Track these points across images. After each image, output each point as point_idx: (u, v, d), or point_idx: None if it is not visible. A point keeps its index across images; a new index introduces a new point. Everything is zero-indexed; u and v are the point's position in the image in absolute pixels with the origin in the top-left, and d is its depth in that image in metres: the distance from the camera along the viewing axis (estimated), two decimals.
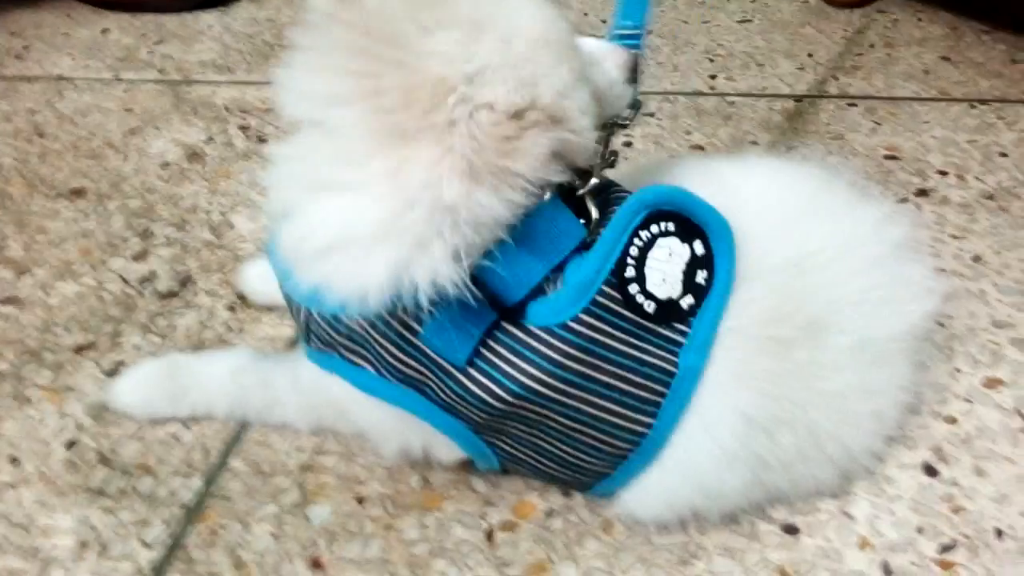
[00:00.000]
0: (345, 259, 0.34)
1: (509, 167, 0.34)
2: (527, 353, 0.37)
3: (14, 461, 0.49)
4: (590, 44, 0.42)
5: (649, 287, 0.38)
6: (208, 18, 0.97)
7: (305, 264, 0.36)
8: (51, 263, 0.63)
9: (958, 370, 0.51)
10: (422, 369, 0.38)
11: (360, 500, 0.46)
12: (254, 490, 0.46)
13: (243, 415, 0.49)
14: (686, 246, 0.38)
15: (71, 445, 0.49)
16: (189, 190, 0.70)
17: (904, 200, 0.65)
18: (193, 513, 0.45)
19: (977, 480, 0.46)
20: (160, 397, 0.49)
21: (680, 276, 0.38)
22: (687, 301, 0.38)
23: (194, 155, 0.74)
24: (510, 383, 0.37)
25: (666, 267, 0.38)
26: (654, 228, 0.38)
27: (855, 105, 0.77)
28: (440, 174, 0.33)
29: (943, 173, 0.68)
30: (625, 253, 0.37)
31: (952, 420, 0.49)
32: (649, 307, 0.38)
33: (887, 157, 0.70)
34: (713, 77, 0.82)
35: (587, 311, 0.37)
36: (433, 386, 0.38)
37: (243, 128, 0.77)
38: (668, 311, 0.38)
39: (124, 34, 0.94)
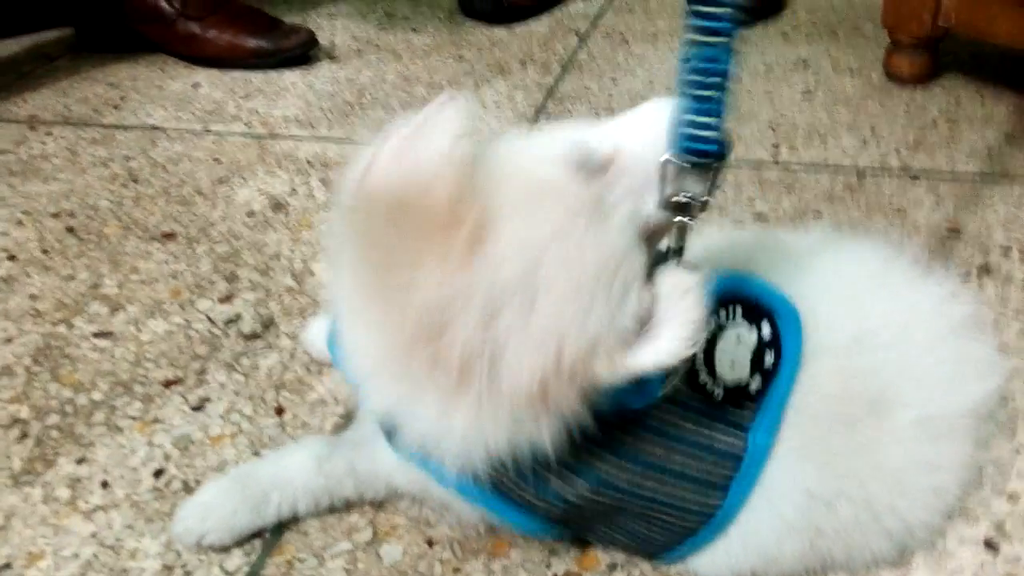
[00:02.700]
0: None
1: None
2: (601, 448, 0.39)
3: (105, 485, 0.52)
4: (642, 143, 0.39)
5: (718, 373, 0.39)
6: (292, 76, 1.03)
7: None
8: (143, 301, 0.67)
9: (1021, 447, 0.52)
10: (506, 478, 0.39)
11: (430, 542, 0.47)
12: (329, 527, 0.48)
13: (329, 504, 0.48)
14: (754, 330, 0.40)
15: (158, 474, 0.52)
16: (273, 238, 0.74)
17: (967, 277, 0.65)
18: (271, 545, 0.48)
19: (1013, 547, 0.46)
20: (239, 515, 0.47)
21: (748, 360, 0.40)
22: (755, 384, 0.39)
23: (278, 205, 0.78)
24: (587, 479, 0.39)
25: (735, 353, 0.40)
26: (722, 315, 0.40)
27: (918, 180, 0.78)
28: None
29: (1006, 250, 0.68)
30: None
31: (1014, 497, 0.49)
32: (718, 394, 0.39)
33: (949, 232, 0.71)
34: (776, 147, 0.85)
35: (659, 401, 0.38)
36: (513, 487, 0.40)
37: (324, 181, 0.82)
38: (736, 395, 0.40)
39: (214, 88, 1.01)
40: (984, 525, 0.48)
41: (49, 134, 0.92)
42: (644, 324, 0.34)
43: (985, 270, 0.66)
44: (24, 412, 0.57)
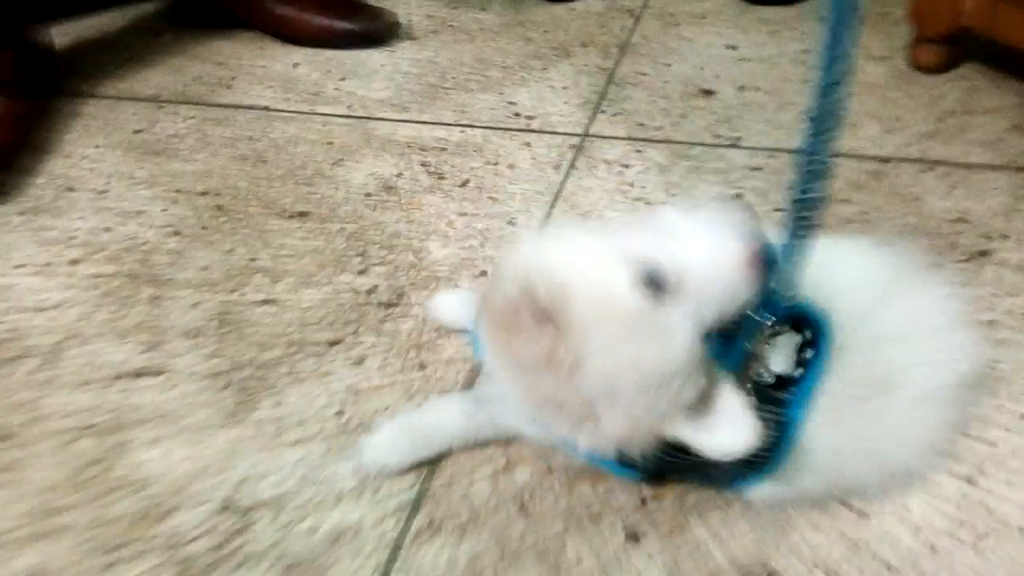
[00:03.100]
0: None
1: None
2: None
3: (300, 424, 0.68)
4: (700, 241, 0.49)
5: (771, 367, 0.54)
6: (379, 57, 1.15)
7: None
8: (295, 273, 0.82)
9: (1002, 405, 0.67)
10: None
11: (549, 469, 0.64)
12: (475, 457, 0.65)
13: (473, 442, 0.65)
14: (798, 335, 0.55)
15: (339, 414, 0.69)
16: (390, 218, 0.88)
17: (968, 259, 0.80)
18: (433, 470, 0.64)
19: (1007, 490, 0.62)
20: (410, 450, 0.64)
21: (793, 356, 0.54)
22: (797, 372, 0.54)
23: (389, 187, 0.92)
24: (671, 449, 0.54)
25: (784, 351, 0.54)
26: (776, 327, 0.54)
27: (933, 169, 0.91)
28: None
29: (1004, 237, 0.82)
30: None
31: (993, 444, 0.65)
32: (770, 380, 0.54)
33: (957, 220, 0.85)
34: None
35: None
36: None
37: (424, 164, 0.96)
38: (783, 381, 0.55)
39: (312, 69, 1.14)
40: (967, 465, 0.63)
41: (176, 114, 1.06)
42: (705, 398, 0.49)
43: (985, 255, 0.81)
44: (223, 366, 0.73)
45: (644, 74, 1.09)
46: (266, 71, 1.14)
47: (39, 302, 0.81)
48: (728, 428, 0.49)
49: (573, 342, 0.46)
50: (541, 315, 0.46)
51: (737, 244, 0.48)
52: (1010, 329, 0.73)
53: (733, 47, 1.14)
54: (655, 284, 0.47)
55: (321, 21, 1.15)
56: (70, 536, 0.61)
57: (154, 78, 1.14)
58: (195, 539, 0.61)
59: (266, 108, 1.06)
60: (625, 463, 0.55)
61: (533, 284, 0.47)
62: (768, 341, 0.54)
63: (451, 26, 1.22)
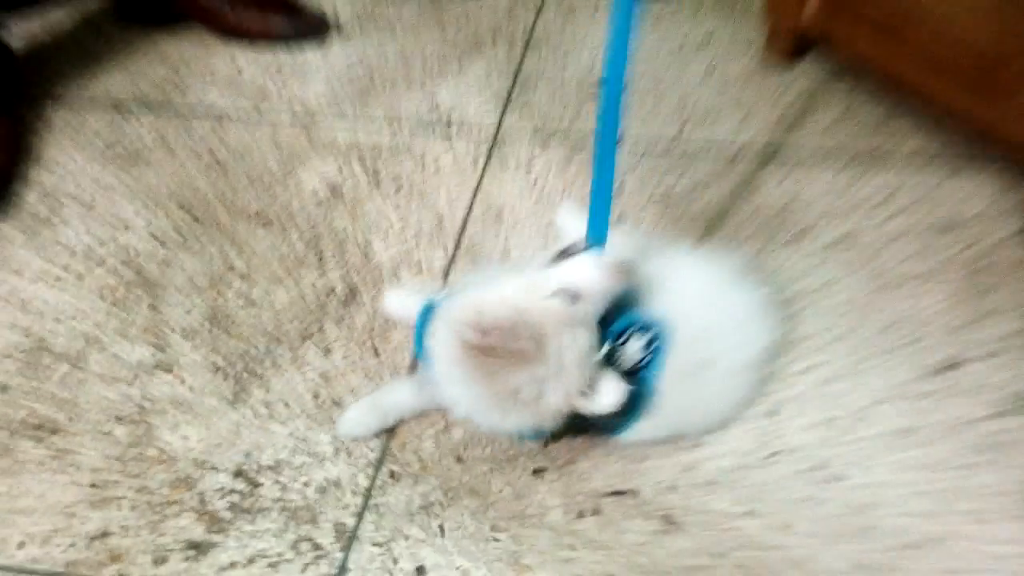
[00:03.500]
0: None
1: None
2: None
3: (286, 405, 0.90)
4: (584, 280, 0.73)
5: (630, 355, 0.78)
6: (312, 55, 1.30)
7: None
8: (267, 277, 1.02)
9: (792, 362, 0.93)
10: None
11: (475, 430, 0.88)
12: (422, 422, 0.88)
13: (420, 413, 0.89)
14: (646, 335, 0.78)
15: (315, 396, 0.91)
16: (339, 222, 1.07)
17: (788, 243, 1.04)
18: (392, 435, 0.88)
19: (789, 421, 0.88)
20: (373, 423, 0.87)
21: (642, 348, 0.78)
22: (647, 359, 0.78)
23: (335, 192, 1.11)
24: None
25: (633, 348, 0.78)
26: (629, 332, 0.78)
27: (773, 159, 1.14)
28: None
29: (821, 218, 1.07)
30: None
31: (783, 390, 0.91)
32: (629, 366, 0.78)
33: (785, 205, 1.08)
34: (680, 129, 1.18)
35: None
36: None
37: (363, 167, 1.14)
38: (636, 367, 0.78)
39: (253, 67, 1.28)
40: (767, 405, 0.90)
41: (139, 122, 1.20)
42: (592, 381, 0.73)
43: (798, 237, 1.05)
44: (219, 360, 0.94)
45: (546, 69, 1.27)
46: (212, 71, 1.28)
47: (58, 313, 0.99)
48: (606, 394, 0.74)
49: (535, 343, 0.70)
50: (510, 335, 0.70)
51: (606, 266, 0.74)
52: (810, 298, 0.99)
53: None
54: (571, 296, 0.73)
55: (257, 19, 1.28)
56: (124, 503, 0.84)
57: (110, 81, 1.27)
58: (218, 499, 0.84)
59: (218, 115, 1.21)
60: (528, 432, 0.80)
61: (500, 319, 0.70)
62: (626, 340, 0.78)
63: (374, 21, 1.36)
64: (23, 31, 1.33)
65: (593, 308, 0.74)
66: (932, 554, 0.77)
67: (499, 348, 0.69)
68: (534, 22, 1.35)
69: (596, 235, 0.78)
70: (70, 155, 1.16)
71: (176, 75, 1.28)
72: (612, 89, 0.77)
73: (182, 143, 1.18)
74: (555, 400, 0.71)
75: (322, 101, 1.23)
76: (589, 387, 0.72)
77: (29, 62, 1.28)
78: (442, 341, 0.74)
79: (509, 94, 1.24)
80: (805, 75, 1.25)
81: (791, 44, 1.25)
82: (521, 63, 1.28)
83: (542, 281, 0.73)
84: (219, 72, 1.28)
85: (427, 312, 0.80)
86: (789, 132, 1.17)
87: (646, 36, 1.32)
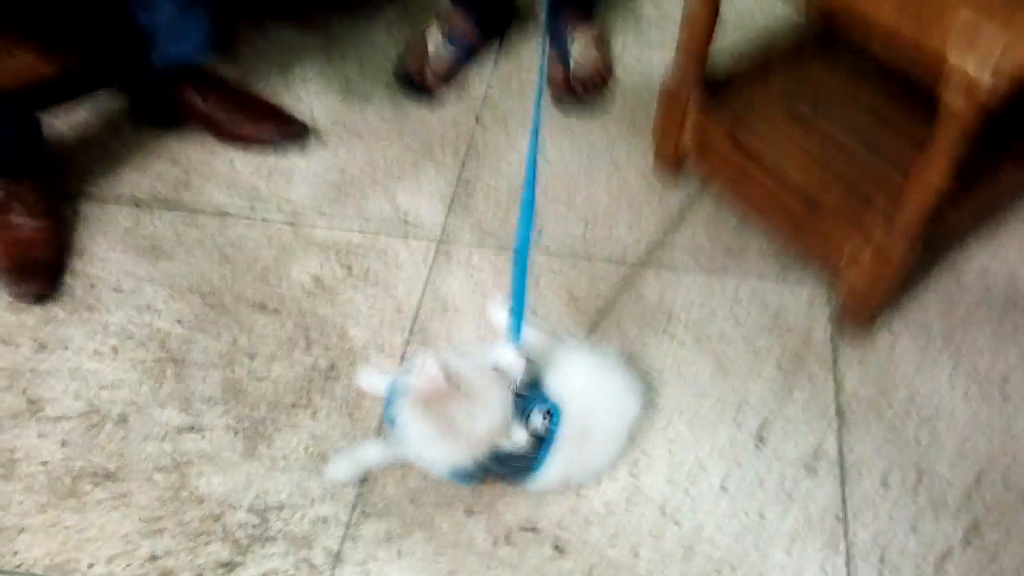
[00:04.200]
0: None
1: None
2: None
3: (285, 458, 1.21)
4: (508, 360, 1.09)
5: (530, 427, 1.12)
6: (295, 158, 1.60)
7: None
8: (265, 354, 1.33)
9: (653, 425, 1.29)
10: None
11: (425, 477, 1.21)
12: (388, 473, 1.21)
13: (388, 465, 1.22)
14: (545, 414, 1.12)
15: (307, 450, 1.22)
16: (320, 308, 1.39)
17: (659, 338, 1.39)
18: (364, 482, 1.20)
19: (647, 472, 1.24)
20: (351, 472, 1.20)
21: (540, 422, 1.13)
22: (543, 430, 1.12)
23: (317, 281, 1.42)
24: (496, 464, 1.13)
25: (536, 420, 1.12)
26: (532, 407, 1.12)
27: (651, 260, 1.49)
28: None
29: (676, 321, 1.43)
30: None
31: (643, 447, 1.27)
32: (530, 435, 1.13)
33: (657, 303, 1.44)
34: (584, 232, 1.52)
35: None
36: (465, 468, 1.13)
37: (339, 262, 1.45)
38: (538, 438, 1.13)
39: (246, 167, 1.57)
40: (627, 463, 1.26)
41: (155, 216, 1.49)
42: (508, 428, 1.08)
43: (666, 331, 1.41)
44: (232, 422, 1.25)
45: (480, 177, 1.60)
46: (212, 171, 1.57)
47: (100, 382, 1.28)
48: (515, 433, 1.09)
49: (468, 386, 1.03)
50: (452, 381, 1.03)
51: (519, 357, 1.08)
52: (666, 378, 1.34)
53: (543, 152, 1.66)
54: (499, 370, 1.07)
55: (250, 128, 1.58)
56: (167, 533, 1.15)
57: (130, 179, 1.55)
58: (238, 530, 1.15)
59: (220, 210, 1.50)
60: (465, 475, 1.13)
61: (447, 375, 1.03)
62: (530, 413, 1.13)
63: (344, 126, 1.67)
64: (50, 131, 1.59)
65: (509, 381, 1.08)
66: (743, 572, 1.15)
67: (436, 392, 1.02)
68: (474, 133, 1.68)
69: (515, 331, 1.13)
70: (102, 247, 1.45)
71: (184, 174, 1.56)
72: (524, 220, 1.11)
73: (193, 237, 1.47)
74: (480, 430, 1.04)
75: (305, 201, 1.54)
76: (504, 427, 1.07)
77: (59, 160, 1.55)
78: (404, 398, 1.07)
79: (453, 197, 1.56)
80: (683, 187, 1.60)
81: (673, 161, 1.61)
82: (462, 172, 1.61)
83: (477, 359, 1.08)
84: (219, 172, 1.57)
85: (392, 389, 1.13)
86: (666, 235, 1.53)
87: (562, 144, 1.65)
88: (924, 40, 1.05)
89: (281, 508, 1.18)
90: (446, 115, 1.71)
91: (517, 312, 1.14)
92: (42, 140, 1.47)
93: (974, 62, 0.99)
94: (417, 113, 1.71)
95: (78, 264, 1.43)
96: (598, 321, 1.40)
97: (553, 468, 1.15)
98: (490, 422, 1.04)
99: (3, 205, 1.40)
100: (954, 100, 1.03)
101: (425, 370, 1.01)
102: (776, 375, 1.33)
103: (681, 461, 1.25)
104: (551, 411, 1.12)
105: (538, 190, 1.14)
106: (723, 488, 1.21)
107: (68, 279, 1.41)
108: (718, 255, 1.50)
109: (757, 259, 1.50)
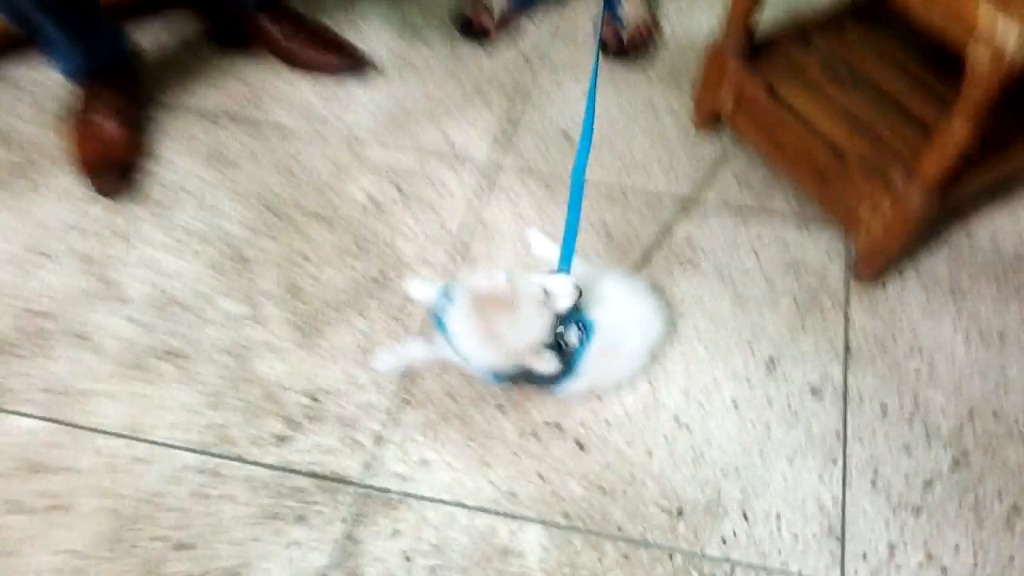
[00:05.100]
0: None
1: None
2: None
3: (339, 350, 1.34)
4: (554, 286, 1.20)
5: (568, 338, 1.24)
6: (354, 87, 1.72)
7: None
8: (322, 259, 1.45)
9: (672, 346, 1.40)
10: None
11: (462, 374, 1.33)
12: (429, 368, 1.33)
13: (427, 362, 1.34)
14: (579, 328, 1.24)
15: (358, 346, 1.35)
16: (373, 223, 1.51)
17: (682, 264, 1.50)
18: (406, 376, 1.33)
19: (665, 385, 1.36)
20: (395, 366, 1.32)
21: (575, 336, 1.24)
22: (576, 343, 1.24)
23: (372, 199, 1.54)
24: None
25: (572, 334, 1.24)
26: (569, 324, 1.23)
27: (683, 206, 1.59)
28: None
29: (701, 252, 1.53)
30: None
31: (661, 364, 1.38)
32: (567, 346, 1.24)
33: (685, 239, 1.54)
34: (619, 172, 1.63)
35: None
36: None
37: (392, 183, 1.57)
38: (572, 346, 1.24)
39: (308, 92, 1.69)
40: (648, 376, 1.37)
41: (226, 129, 1.61)
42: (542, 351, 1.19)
43: (691, 263, 1.51)
44: (292, 316, 1.37)
45: (526, 113, 1.70)
46: (281, 93, 1.69)
47: (169, 270, 1.42)
48: (547, 362, 1.20)
49: (517, 301, 1.14)
50: (503, 292, 1.14)
51: (569, 283, 1.19)
52: (690, 306, 1.45)
53: (585, 94, 1.75)
54: (549, 294, 1.18)
55: (317, 56, 1.70)
56: (230, 406, 1.28)
57: (203, 92, 1.68)
58: (294, 409, 1.28)
59: (286, 127, 1.62)
60: (499, 377, 1.25)
61: (504, 285, 1.15)
62: (567, 328, 1.24)
63: (404, 59, 1.78)
64: (133, 44, 1.71)
65: (556, 305, 1.19)
66: (745, 474, 1.26)
67: (494, 298, 1.14)
68: (525, 74, 1.78)
69: (565, 262, 1.23)
70: (175, 152, 1.58)
71: (252, 93, 1.69)
72: (581, 155, 1.22)
73: (257, 149, 1.59)
74: (520, 344, 1.15)
75: (363, 126, 1.66)
76: (540, 351, 1.18)
77: (139, 71, 1.68)
78: (457, 304, 1.19)
79: (501, 133, 1.67)
80: (716, 143, 1.70)
81: (708, 120, 1.70)
82: (511, 108, 1.71)
83: (530, 280, 1.19)
84: (284, 94, 1.69)
85: (442, 293, 1.25)
86: (696, 184, 1.63)
87: (608, 96, 1.75)
88: (957, 6, 1.14)
89: (331, 392, 1.31)
90: (499, 58, 1.82)
91: (569, 242, 1.24)
92: (126, 50, 1.59)
93: (1003, 25, 1.08)
94: (471, 55, 1.82)
95: (153, 166, 1.56)
96: (630, 254, 1.51)
97: (581, 376, 1.27)
98: (529, 340, 1.16)
99: (89, 107, 1.53)
100: (981, 61, 1.12)
101: (495, 277, 1.12)
102: (791, 310, 1.43)
103: (697, 378, 1.36)
104: (585, 327, 1.24)
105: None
106: (734, 403, 1.33)
107: (144, 179, 1.54)
108: (746, 201, 1.60)
109: (782, 206, 1.59)
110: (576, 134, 1.68)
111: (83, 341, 1.34)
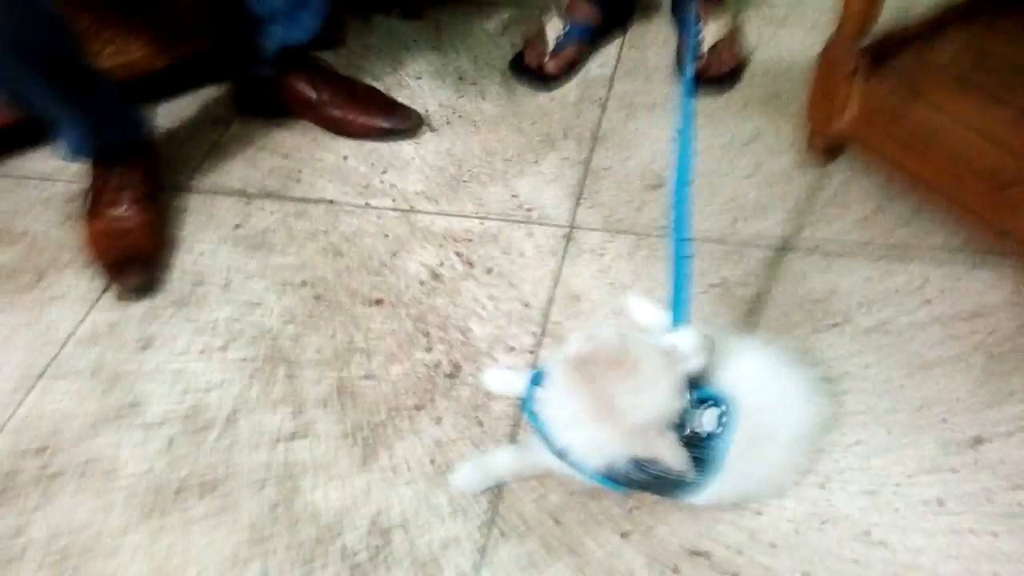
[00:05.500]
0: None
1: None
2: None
3: (408, 468, 1.06)
4: (679, 342, 0.92)
5: (703, 427, 0.94)
6: (408, 149, 1.48)
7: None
8: (382, 352, 1.18)
9: (838, 438, 1.08)
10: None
11: (570, 492, 1.03)
12: (522, 486, 1.04)
13: (519, 475, 1.05)
14: (717, 409, 0.94)
15: (432, 460, 1.07)
16: (440, 303, 1.24)
17: (831, 328, 1.19)
18: (498, 499, 1.03)
19: (841, 490, 1.04)
20: (479, 482, 1.04)
21: (714, 421, 0.94)
22: (717, 430, 0.94)
23: (435, 275, 1.28)
24: (649, 471, 0.94)
25: (709, 417, 0.94)
26: (705, 404, 0.94)
27: (812, 253, 1.30)
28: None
29: (858, 307, 1.22)
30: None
31: (835, 461, 1.06)
32: (703, 434, 0.94)
33: (827, 295, 1.24)
34: (732, 224, 1.35)
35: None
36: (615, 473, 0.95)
37: (457, 254, 1.31)
38: (710, 436, 0.94)
39: (358, 162, 1.46)
40: (819, 476, 1.05)
41: (263, 209, 1.38)
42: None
43: (842, 324, 1.20)
44: (348, 428, 1.11)
45: (610, 165, 1.45)
46: (323, 164, 1.46)
47: (206, 383, 1.16)
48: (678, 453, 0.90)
49: (633, 357, 0.87)
50: (614, 349, 0.87)
51: (701, 337, 0.92)
52: (852, 380, 1.14)
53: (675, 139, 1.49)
54: (671, 353, 0.90)
55: (364, 121, 1.47)
56: (278, 553, 1.00)
57: (235, 170, 1.45)
58: (358, 552, 1.00)
59: (331, 202, 1.39)
60: (617, 481, 0.95)
61: (612, 343, 0.88)
62: (703, 412, 0.95)
63: (459, 116, 1.55)
64: (153, 123, 1.52)
65: (682, 364, 0.90)
66: None
67: (600, 355, 0.86)
68: (600, 119, 1.53)
69: (678, 315, 0.96)
70: (208, 242, 1.35)
71: (293, 167, 1.46)
72: (680, 186, 0.95)
73: (301, 228, 1.36)
74: (644, 416, 0.86)
75: (418, 190, 1.41)
76: (672, 412, 0.88)
77: (166, 155, 1.47)
78: (553, 382, 0.91)
79: (580, 188, 1.41)
80: (841, 173, 1.41)
81: (827, 147, 1.42)
82: (589, 159, 1.46)
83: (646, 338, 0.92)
84: (327, 162, 1.47)
85: (534, 378, 0.97)
86: (828, 225, 1.33)
87: (699, 132, 1.49)
88: None
89: (405, 526, 1.02)
90: (568, 103, 1.57)
91: (679, 290, 0.97)
92: (144, 130, 1.39)
93: None
94: (536, 102, 1.58)
95: (184, 260, 1.33)
96: (757, 316, 1.21)
97: (727, 477, 0.96)
98: (658, 402, 0.87)
99: (104, 196, 1.32)
100: None
101: (600, 336, 0.85)
102: (987, 369, 1.11)
103: (881, 472, 1.03)
104: (722, 406, 0.94)
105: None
106: (939, 503, 0.99)
107: (174, 276, 1.31)
108: (895, 239, 1.29)
109: (944, 240, 1.28)
110: (666, 179, 1.42)
111: (92, 476, 1.08)
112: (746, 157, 1.45)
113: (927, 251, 1.28)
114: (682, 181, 1.02)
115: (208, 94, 1.62)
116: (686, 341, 0.93)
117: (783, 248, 1.30)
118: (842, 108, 1.34)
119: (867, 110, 1.31)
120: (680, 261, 0.98)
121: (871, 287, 1.24)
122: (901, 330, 1.18)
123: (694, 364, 0.92)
